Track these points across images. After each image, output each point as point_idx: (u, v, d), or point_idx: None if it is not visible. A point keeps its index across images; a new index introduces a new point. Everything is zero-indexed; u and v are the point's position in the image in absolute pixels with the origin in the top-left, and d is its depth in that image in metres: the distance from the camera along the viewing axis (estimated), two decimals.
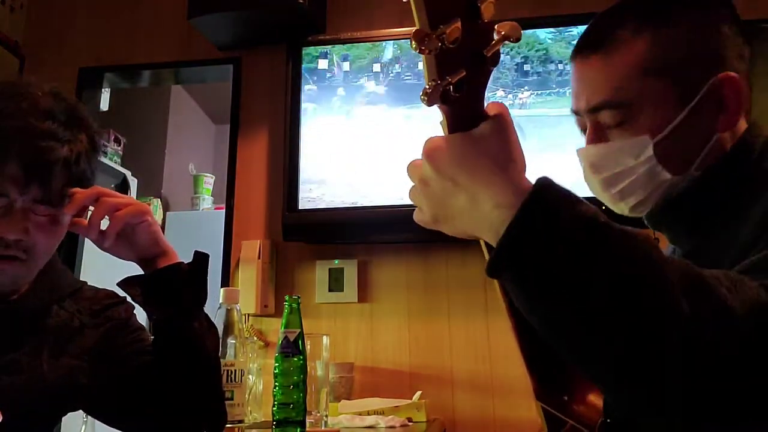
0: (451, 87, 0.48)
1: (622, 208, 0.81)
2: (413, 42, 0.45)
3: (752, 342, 0.47)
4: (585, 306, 0.47)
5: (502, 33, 0.49)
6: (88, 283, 1.10)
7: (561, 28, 1.97)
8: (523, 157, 0.53)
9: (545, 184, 0.49)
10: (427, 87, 0.47)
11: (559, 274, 0.47)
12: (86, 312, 1.01)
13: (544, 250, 0.47)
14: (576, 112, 0.82)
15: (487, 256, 0.54)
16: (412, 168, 0.56)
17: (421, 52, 0.46)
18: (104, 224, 0.94)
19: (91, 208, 0.94)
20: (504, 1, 0.50)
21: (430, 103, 0.48)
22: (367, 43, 2.06)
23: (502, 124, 0.52)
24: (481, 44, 0.49)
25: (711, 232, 0.74)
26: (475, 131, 0.51)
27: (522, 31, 0.50)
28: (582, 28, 1.92)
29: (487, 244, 0.56)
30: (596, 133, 0.79)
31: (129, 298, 1.02)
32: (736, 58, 0.76)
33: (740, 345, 0.47)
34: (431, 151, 0.53)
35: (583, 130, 0.83)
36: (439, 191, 0.53)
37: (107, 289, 1.08)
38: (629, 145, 0.75)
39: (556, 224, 0.47)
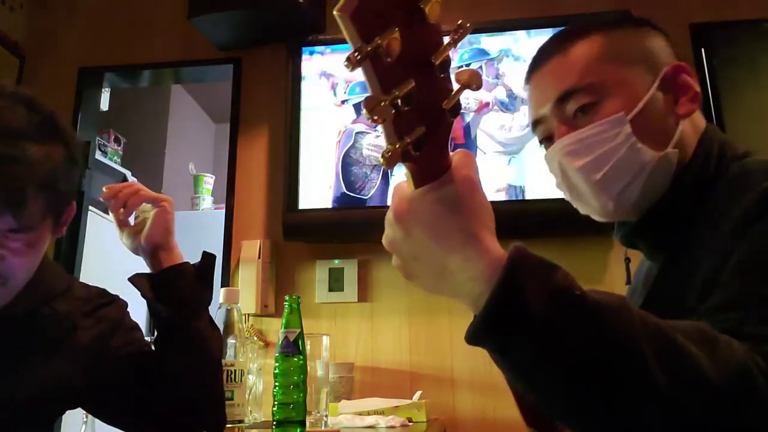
0: (411, 147, 0.45)
1: (604, 203, 0.79)
2: (365, 111, 0.43)
3: (729, 409, 0.48)
4: (561, 383, 0.48)
5: (462, 82, 0.46)
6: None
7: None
8: (491, 211, 0.51)
9: (518, 257, 0.48)
10: (386, 151, 0.45)
11: (534, 351, 0.48)
12: (77, 312, 0.99)
13: (521, 329, 0.48)
14: (537, 121, 0.83)
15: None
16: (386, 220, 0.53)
17: (374, 122, 0.43)
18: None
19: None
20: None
21: (389, 167, 0.46)
22: None
23: (470, 184, 0.50)
24: (439, 97, 0.46)
25: (683, 245, 0.74)
26: (443, 193, 0.49)
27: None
28: None
29: None
30: (567, 126, 0.79)
31: (140, 294, 1.01)
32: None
33: (718, 413, 0.48)
34: (399, 213, 0.51)
35: (545, 138, 0.84)
36: (409, 255, 0.52)
37: (98, 287, 1.07)
38: (606, 125, 0.76)
39: (531, 304, 0.47)
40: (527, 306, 0.47)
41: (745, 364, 0.49)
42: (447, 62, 0.45)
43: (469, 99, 1.96)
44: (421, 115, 0.45)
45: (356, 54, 0.41)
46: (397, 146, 0.45)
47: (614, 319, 0.48)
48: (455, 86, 0.47)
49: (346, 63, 0.41)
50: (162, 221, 1.02)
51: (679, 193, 0.76)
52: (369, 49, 0.41)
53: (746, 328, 0.54)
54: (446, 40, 0.45)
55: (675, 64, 0.79)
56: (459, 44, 0.45)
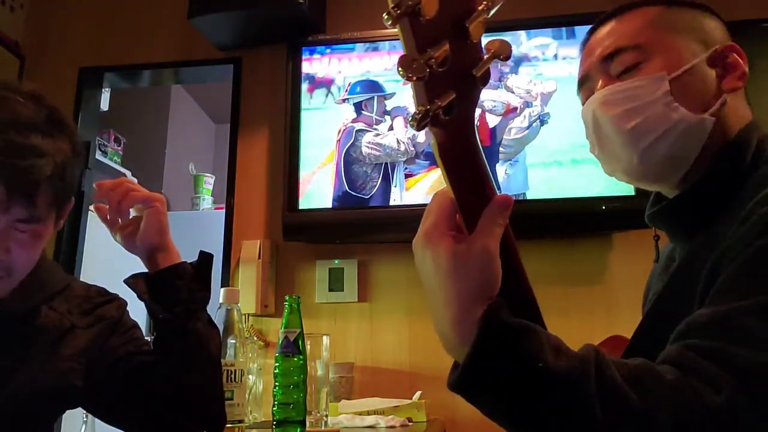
0: (441, 110, 0.46)
1: (629, 156, 0.80)
2: (400, 69, 0.43)
3: None
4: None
5: (492, 51, 0.48)
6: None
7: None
8: (495, 280, 0.53)
9: (490, 327, 0.51)
10: (416, 112, 0.46)
11: (500, 410, 0.53)
12: (76, 311, 0.99)
13: (489, 392, 0.53)
14: (583, 80, 0.86)
15: None
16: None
17: (408, 79, 0.44)
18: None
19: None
20: (506, 2, 0.48)
21: (419, 129, 0.46)
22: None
23: (485, 257, 0.51)
24: (470, 64, 0.47)
25: (705, 235, 0.74)
26: (459, 252, 0.51)
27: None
28: (583, 28, 1.94)
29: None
30: (609, 81, 0.82)
31: (136, 296, 1.01)
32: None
33: None
34: (440, 257, 0.52)
35: (588, 99, 0.85)
36: (421, 272, 0.55)
37: (98, 286, 1.07)
38: (645, 81, 0.78)
39: (498, 371, 0.51)
40: (493, 374, 0.51)
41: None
42: (480, 29, 0.46)
43: (496, 102, 1.95)
44: (452, 81, 0.46)
45: (395, 9, 0.42)
46: (428, 108, 0.45)
47: (572, 390, 0.50)
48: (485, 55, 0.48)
49: (386, 16, 0.42)
50: (155, 222, 1.02)
51: (711, 180, 0.77)
52: (409, 3, 0.42)
53: (718, 361, 0.53)
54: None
55: (728, 44, 0.80)
56: (491, 12, 0.46)
